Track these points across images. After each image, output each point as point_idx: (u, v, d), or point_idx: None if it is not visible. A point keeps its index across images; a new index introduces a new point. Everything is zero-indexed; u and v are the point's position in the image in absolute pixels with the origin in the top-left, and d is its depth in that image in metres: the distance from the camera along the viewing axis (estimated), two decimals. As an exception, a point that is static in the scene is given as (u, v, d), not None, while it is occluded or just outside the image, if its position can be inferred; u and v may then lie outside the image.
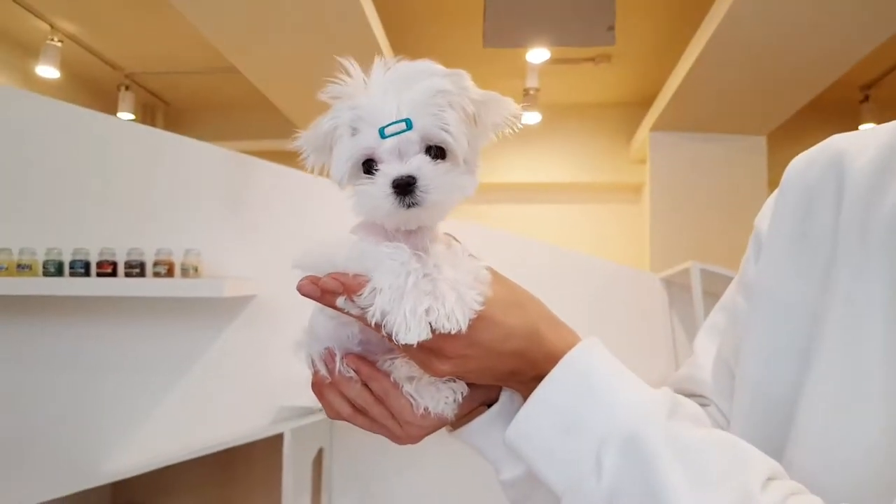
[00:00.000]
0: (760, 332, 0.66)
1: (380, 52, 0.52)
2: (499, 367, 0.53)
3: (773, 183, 4.88)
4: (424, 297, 0.48)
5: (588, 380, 0.51)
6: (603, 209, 5.98)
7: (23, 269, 2.13)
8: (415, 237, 0.53)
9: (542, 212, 6.00)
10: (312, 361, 0.57)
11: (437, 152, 0.51)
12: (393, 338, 0.48)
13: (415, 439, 0.56)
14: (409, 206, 0.49)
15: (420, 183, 0.49)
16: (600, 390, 0.50)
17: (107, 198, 2.25)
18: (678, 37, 4.10)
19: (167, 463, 1.85)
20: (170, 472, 1.91)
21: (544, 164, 5.78)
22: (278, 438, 1.86)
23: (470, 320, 0.48)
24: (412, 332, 0.47)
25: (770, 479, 0.49)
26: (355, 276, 0.50)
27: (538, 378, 0.53)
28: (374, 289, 0.48)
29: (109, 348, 2.19)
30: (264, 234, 2.18)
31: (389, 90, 0.50)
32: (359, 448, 2.25)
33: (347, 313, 0.52)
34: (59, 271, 2.12)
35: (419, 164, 0.49)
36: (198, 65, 4.92)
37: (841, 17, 2.98)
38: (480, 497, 1.61)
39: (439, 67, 0.52)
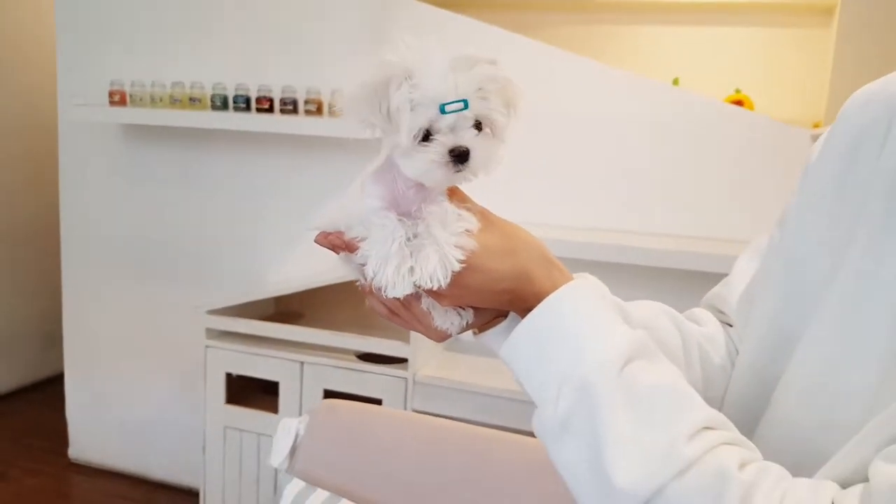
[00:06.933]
0: (783, 267, 0.67)
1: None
2: (494, 300, 0.64)
3: None
4: (407, 260, 0.59)
5: (561, 322, 0.60)
6: (782, 34, 5.36)
7: (194, 101, 2.37)
8: (424, 189, 0.64)
9: (712, 35, 5.49)
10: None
11: (477, 127, 0.61)
12: (382, 293, 0.60)
13: (439, 340, 0.68)
14: (458, 171, 0.60)
15: (472, 153, 0.60)
16: (569, 334, 0.59)
17: (261, 34, 2.39)
18: None
19: (319, 284, 2.11)
20: (323, 288, 2.18)
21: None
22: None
23: (452, 273, 0.59)
24: (398, 289, 0.59)
25: (706, 428, 0.54)
26: (353, 237, 0.62)
27: (529, 310, 0.62)
28: (365, 254, 0.61)
29: (264, 177, 2.44)
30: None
31: (448, 73, 0.59)
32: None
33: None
34: (224, 105, 2.34)
35: (471, 138, 0.60)
36: None
37: None
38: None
39: (486, 55, 0.61)
